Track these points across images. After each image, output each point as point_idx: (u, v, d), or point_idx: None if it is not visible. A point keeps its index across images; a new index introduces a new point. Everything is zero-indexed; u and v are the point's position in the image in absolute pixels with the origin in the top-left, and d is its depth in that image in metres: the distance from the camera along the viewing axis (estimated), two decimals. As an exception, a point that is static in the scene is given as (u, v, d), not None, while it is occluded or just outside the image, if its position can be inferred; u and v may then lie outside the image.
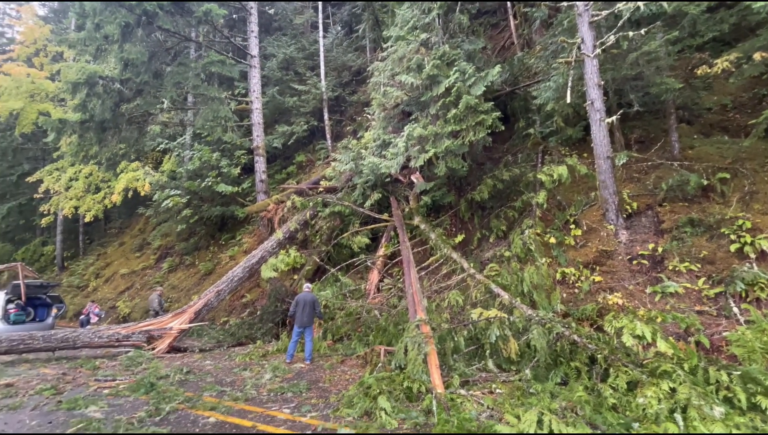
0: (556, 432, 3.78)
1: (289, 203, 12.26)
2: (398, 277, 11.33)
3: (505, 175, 10.69)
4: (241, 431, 4.36)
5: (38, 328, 10.53)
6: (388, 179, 12.67)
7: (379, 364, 6.90)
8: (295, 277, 12.76)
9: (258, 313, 12.89)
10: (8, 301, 10.76)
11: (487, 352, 6.52)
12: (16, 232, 24.14)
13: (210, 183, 15.24)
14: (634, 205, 8.78)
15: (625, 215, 8.74)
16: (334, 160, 13.30)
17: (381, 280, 11.33)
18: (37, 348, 8.33)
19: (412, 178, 12.49)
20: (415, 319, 6.91)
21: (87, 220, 18.53)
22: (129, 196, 18.03)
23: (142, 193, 17.57)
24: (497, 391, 5.66)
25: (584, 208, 9.31)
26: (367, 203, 12.24)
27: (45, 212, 19.27)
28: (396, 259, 11.44)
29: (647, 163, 9.47)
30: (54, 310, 11.92)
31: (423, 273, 10.32)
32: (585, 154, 10.42)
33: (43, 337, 8.43)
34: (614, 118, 8.43)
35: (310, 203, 12.16)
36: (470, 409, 4.59)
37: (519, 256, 9.12)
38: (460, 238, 10.98)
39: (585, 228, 8.90)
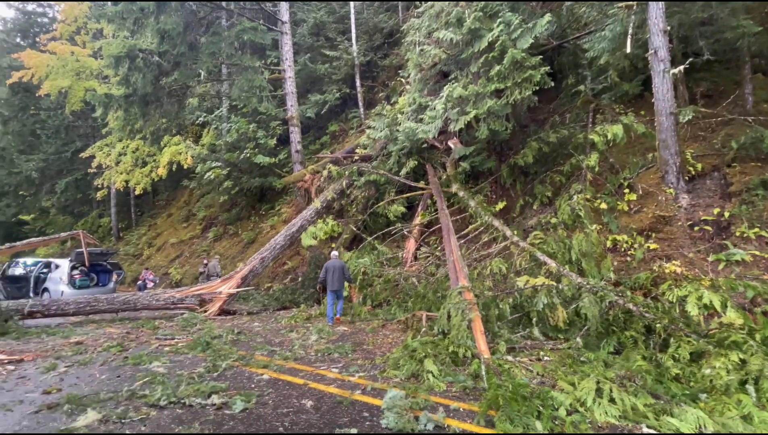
0: (617, 401, 3.61)
1: (325, 173, 12.25)
2: (435, 245, 11.20)
3: (551, 137, 10.04)
4: (293, 389, 4.51)
5: (101, 293, 11.42)
6: (424, 146, 12.30)
7: (422, 330, 6.92)
8: (333, 245, 12.94)
9: (299, 279, 13.30)
10: (73, 268, 11.68)
11: (534, 320, 6.34)
12: (75, 206, 25.98)
13: (248, 154, 15.48)
14: (698, 166, 8.01)
15: (686, 178, 8.01)
16: (368, 128, 13.04)
17: (418, 249, 11.25)
18: (101, 310, 9.03)
19: (449, 143, 12.05)
20: (457, 285, 6.80)
21: (137, 192, 19.56)
22: (173, 169, 18.76)
23: (185, 166, 18.21)
24: (545, 358, 5.52)
25: (640, 170, 8.62)
26: (403, 171, 12.00)
27: (99, 186, 20.51)
28: (433, 228, 11.27)
29: (715, 119, 8.53)
30: (114, 276, 12.85)
31: (462, 241, 10.11)
32: (642, 112, 9.54)
33: (106, 300, 9.12)
34: (681, 68, 7.56)
35: (346, 172, 12.08)
36: (519, 376, 4.49)
37: (566, 223, 8.69)
38: (500, 205, 10.59)
39: (640, 192, 8.27)
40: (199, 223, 19.93)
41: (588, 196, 8.79)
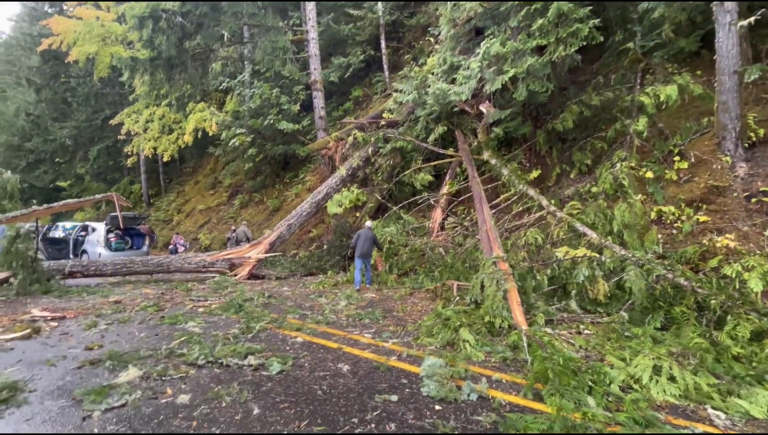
0: (678, 379, 3.33)
1: (350, 139, 11.89)
2: (463, 215, 10.85)
3: (594, 100, 9.30)
4: (328, 352, 4.44)
5: (136, 255, 11.75)
6: (454, 110, 11.69)
7: (453, 299, 6.74)
8: (357, 214, 12.78)
9: (325, 247, 13.30)
10: (108, 231, 12.01)
11: (573, 292, 6.04)
12: (108, 173, 26.68)
13: (272, 120, 15.23)
14: (761, 132, 7.25)
15: (746, 145, 7.28)
16: (394, 92, 12.45)
17: (445, 219, 10.95)
18: (137, 271, 9.26)
19: (482, 108, 11.39)
20: (490, 255, 6.51)
21: (165, 159, 19.81)
22: (199, 136, 18.77)
23: (210, 133, 18.16)
24: (585, 332, 5.26)
25: (693, 136, 7.89)
26: (431, 138, 11.51)
27: (129, 153, 20.85)
28: (461, 197, 10.88)
29: (785, 79, 7.62)
30: (147, 240, 13.19)
31: (493, 211, 9.71)
32: (698, 72, 8.64)
33: (141, 262, 9.32)
34: (750, 20, 6.70)
35: (372, 139, 11.68)
36: (564, 349, 4.25)
37: (607, 192, 8.16)
38: (535, 174, 10.05)
39: (692, 160, 7.61)
40: (225, 190, 20.11)
41: (633, 164, 8.19)
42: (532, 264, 6.60)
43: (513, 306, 5.39)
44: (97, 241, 11.73)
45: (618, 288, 6.11)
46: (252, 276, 9.77)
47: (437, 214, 11.14)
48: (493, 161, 10.14)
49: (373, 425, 2.87)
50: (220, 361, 4.10)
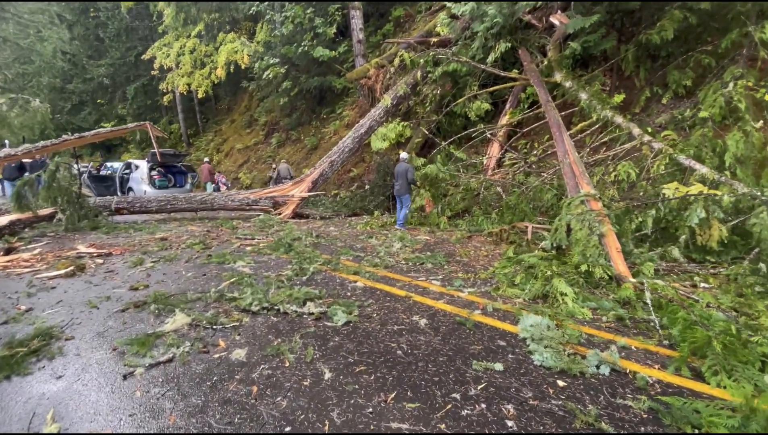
0: None
1: (396, 62, 10.42)
2: (525, 150, 9.52)
3: (703, 4, 7.31)
4: (396, 301, 3.74)
5: (179, 192, 11.52)
6: (519, 24, 9.81)
7: (525, 243, 5.82)
8: (400, 151, 11.68)
9: (366, 186, 12.50)
10: (151, 169, 11.73)
11: (682, 237, 4.91)
12: (147, 113, 26.50)
13: (306, 47, 13.78)
14: None
15: None
16: (448, 1, 10.55)
17: (503, 154, 9.67)
18: (181, 208, 8.93)
19: (552, 19, 9.46)
20: (577, 193, 5.40)
21: (200, 96, 19.01)
22: (231, 70, 17.67)
23: (243, 66, 17.01)
24: (702, 285, 4.24)
25: None
26: (490, 57, 9.81)
27: (164, 91, 20.22)
28: (526, 129, 9.46)
29: None
30: (189, 178, 12.91)
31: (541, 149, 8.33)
32: None
33: (185, 199, 8.95)
34: None
35: (421, 60, 10.15)
36: (706, 310, 3.29)
37: (714, 118, 6.61)
38: (618, 99, 8.36)
39: None
40: (261, 128, 19.36)
41: (750, 84, 6.47)
42: (632, 203, 5.44)
43: (612, 253, 4.40)
44: (141, 179, 11.52)
45: (735, 233, 4.96)
46: (296, 215, 9.22)
47: (494, 149, 9.86)
48: (567, 84, 8.49)
49: (483, 405, 2.15)
50: (276, 307, 3.50)
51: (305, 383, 2.37)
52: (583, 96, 8.07)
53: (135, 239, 6.76)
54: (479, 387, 2.31)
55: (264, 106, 19.07)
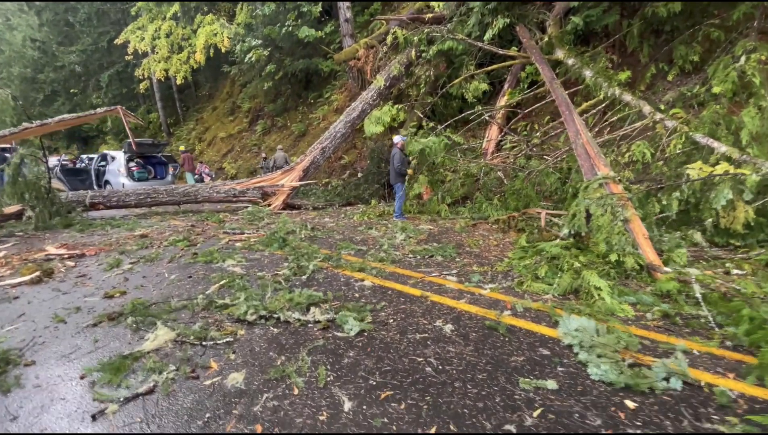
0: None
1: (389, 39, 9.76)
2: (525, 132, 9.09)
3: (714, -28, 6.89)
4: (412, 302, 3.28)
5: (160, 185, 10.75)
6: (517, -1, 9.24)
7: (537, 230, 5.43)
8: (394, 136, 11.12)
9: (359, 174, 11.95)
10: (129, 160, 10.90)
11: (708, 220, 4.57)
12: (123, 102, 25.01)
13: (290, 28, 12.95)
14: None
15: None
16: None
17: (502, 137, 9.23)
18: (162, 201, 8.25)
19: (553, -6, 8.95)
20: (593, 175, 5.00)
21: (178, 82, 17.86)
22: (211, 54, 16.61)
23: (223, 50, 15.98)
24: (735, 271, 3.90)
25: None
26: (487, 35, 9.24)
27: (140, 78, 18.99)
28: (526, 110, 9.00)
29: None
30: (171, 169, 12.10)
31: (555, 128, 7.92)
32: None
33: (166, 192, 8.26)
34: None
35: (415, 38, 9.52)
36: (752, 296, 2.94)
37: (725, 94, 6.27)
38: (623, 75, 7.96)
39: None
40: (245, 115, 18.44)
41: (763, 57, 6.13)
42: (650, 186, 5.08)
43: (640, 240, 4.02)
44: (119, 171, 10.70)
45: (761, 214, 4.65)
46: (287, 206, 8.64)
47: (493, 132, 9.40)
48: (570, 61, 8.03)
49: (546, 440, 1.72)
50: (275, 315, 3.01)
51: (321, 418, 1.90)
52: (588, 73, 7.63)
53: (112, 237, 6.11)
54: (535, 414, 1.88)
55: (247, 92, 18.13)
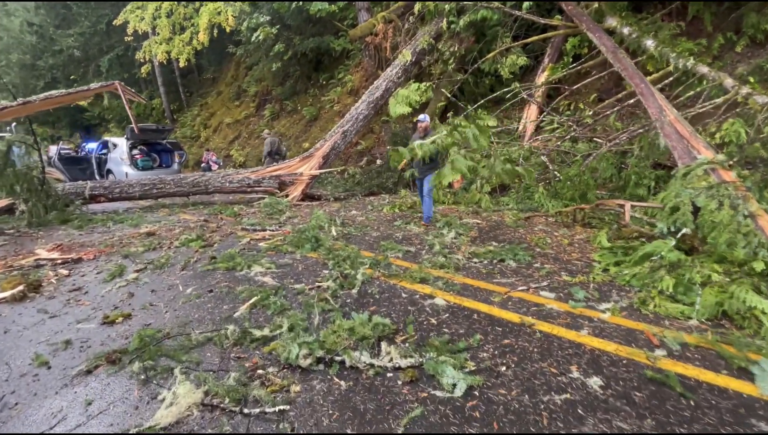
0: None
1: (417, 7, 8.65)
2: (568, 111, 8.08)
3: None
4: (515, 333, 2.40)
5: (166, 174, 9.83)
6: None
7: (616, 226, 4.52)
8: (415, 119, 10.10)
9: (378, 161, 10.98)
10: (132, 147, 9.96)
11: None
12: (125, 87, 23.96)
13: (300, 2, 11.78)
14: None
15: None
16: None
17: (543, 119, 8.21)
18: (170, 193, 7.34)
19: (603, -46, 7.78)
20: (691, 160, 4.05)
21: (181, 65, 16.70)
22: (215, 35, 15.46)
23: (228, 29, 14.80)
24: None
25: None
26: (525, 3, 8.16)
27: (141, 60, 17.84)
28: (575, 86, 7.94)
29: None
30: (177, 157, 11.16)
31: (622, 102, 6.91)
32: None
33: (174, 182, 7.35)
34: None
35: (446, 6, 8.41)
36: None
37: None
38: (688, 45, 6.91)
39: None
40: (252, 100, 17.34)
41: None
42: (764, 172, 4.13)
43: (777, 239, 3.11)
44: (121, 159, 9.76)
45: None
46: (306, 196, 7.72)
47: (531, 112, 8.40)
48: (625, 30, 6.98)
49: None
50: (337, 356, 2.13)
51: None
52: (650, 43, 6.60)
53: (114, 236, 5.23)
54: None
55: (253, 74, 16.99)
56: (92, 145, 11.47)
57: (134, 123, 7.38)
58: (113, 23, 17.87)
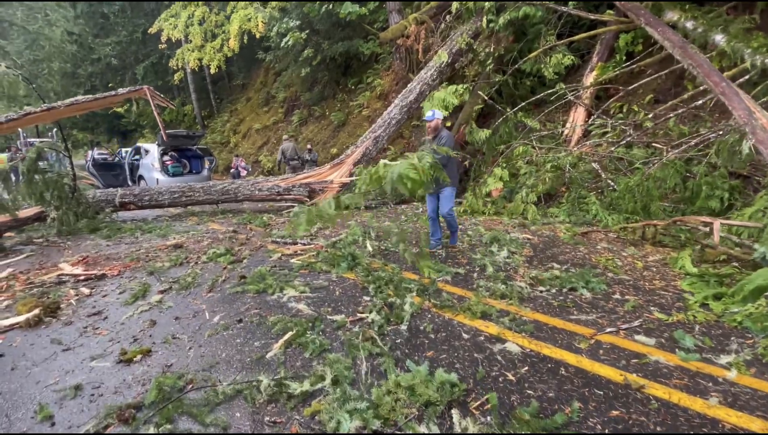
0: None
1: (454, 6, 8.15)
2: (620, 115, 7.35)
3: None
4: (627, 403, 1.85)
5: (196, 181, 9.72)
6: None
7: (700, 246, 3.84)
8: (448, 124, 9.53)
9: (408, 166, 10.48)
10: (163, 153, 9.91)
11: None
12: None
13: (330, 5, 11.51)
14: None
15: None
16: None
17: (591, 122, 7.51)
18: (199, 200, 7.12)
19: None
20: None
21: (212, 72, 16.90)
22: (245, 41, 15.51)
23: (258, 35, 14.80)
24: None
25: None
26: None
27: (174, 68, 18.20)
28: (630, 87, 7.20)
29: None
30: (207, 163, 11.08)
31: (684, 108, 6.14)
32: None
33: (203, 189, 7.13)
34: None
35: (485, 4, 7.86)
36: None
37: None
38: (757, 42, 6.07)
39: None
40: (280, 106, 17.27)
41: None
42: None
43: None
44: (152, 165, 9.72)
45: None
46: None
47: (578, 115, 7.70)
48: (689, 24, 6.22)
49: None
50: (398, 429, 1.66)
51: None
52: (719, 38, 5.83)
53: (141, 247, 4.98)
54: None
55: (282, 81, 16.93)
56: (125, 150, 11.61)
57: (162, 128, 7.21)
58: (148, 32, 18.36)
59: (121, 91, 5.67)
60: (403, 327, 2.61)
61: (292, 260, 4.15)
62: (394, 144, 11.49)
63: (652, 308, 2.81)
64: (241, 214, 7.13)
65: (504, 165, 7.01)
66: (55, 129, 12.92)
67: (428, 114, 4.20)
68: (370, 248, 4.48)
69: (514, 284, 3.27)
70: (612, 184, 6.14)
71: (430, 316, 2.78)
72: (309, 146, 10.85)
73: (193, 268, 4.01)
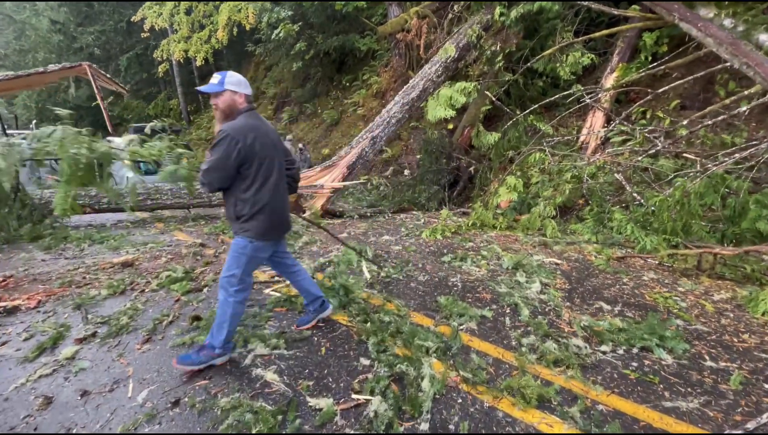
0: None
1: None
2: (641, 120, 6.60)
3: None
4: None
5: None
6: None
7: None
8: (450, 126, 8.66)
9: (406, 171, 9.62)
10: (136, 148, 8.78)
11: None
12: (143, 87, 23.21)
13: (327, -4, 10.56)
14: None
15: None
16: None
17: (611, 128, 6.73)
18: (167, 205, 6.09)
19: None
20: None
21: (198, 64, 15.76)
22: (234, 33, 14.44)
23: (248, 27, 13.75)
24: None
25: None
26: (594, -7, 6.72)
27: (159, 59, 16.98)
28: (661, 89, 6.42)
29: None
30: (185, 160, 9.96)
31: (727, 113, 5.37)
32: None
33: (172, 192, 6.10)
34: None
35: (499, -4, 7.01)
36: None
37: None
38: (814, 39, 5.33)
39: None
40: (270, 102, 16.23)
41: None
42: None
43: None
44: (122, 162, 8.58)
45: None
46: (326, 213, 6.38)
47: (595, 120, 6.92)
48: (727, 22, 5.50)
49: None
50: None
51: None
52: (764, 38, 5.09)
53: (82, 264, 3.95)
54: None
55: (272, 75, 15.91)
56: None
57: (106, 114, 6.19)
58: (132, 20, 17.08)
59: (52, 67, 4.71)
60: (424, 427, 1.68)
61: (266, 291, 3.18)
62: (391, 146, 10.59)
63: (765, 384, 1.95)
64: (215, 220, 6.11)
65: (518, 173, 6.16)
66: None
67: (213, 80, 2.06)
68: (367, 275, 3.54)
69: (568, 342, 2.38)
70: (639, 198, 5.34)
71: (461, 400, 1.86)
72: (301, 145, 9.87)
73: (136, 300, 3.01)
